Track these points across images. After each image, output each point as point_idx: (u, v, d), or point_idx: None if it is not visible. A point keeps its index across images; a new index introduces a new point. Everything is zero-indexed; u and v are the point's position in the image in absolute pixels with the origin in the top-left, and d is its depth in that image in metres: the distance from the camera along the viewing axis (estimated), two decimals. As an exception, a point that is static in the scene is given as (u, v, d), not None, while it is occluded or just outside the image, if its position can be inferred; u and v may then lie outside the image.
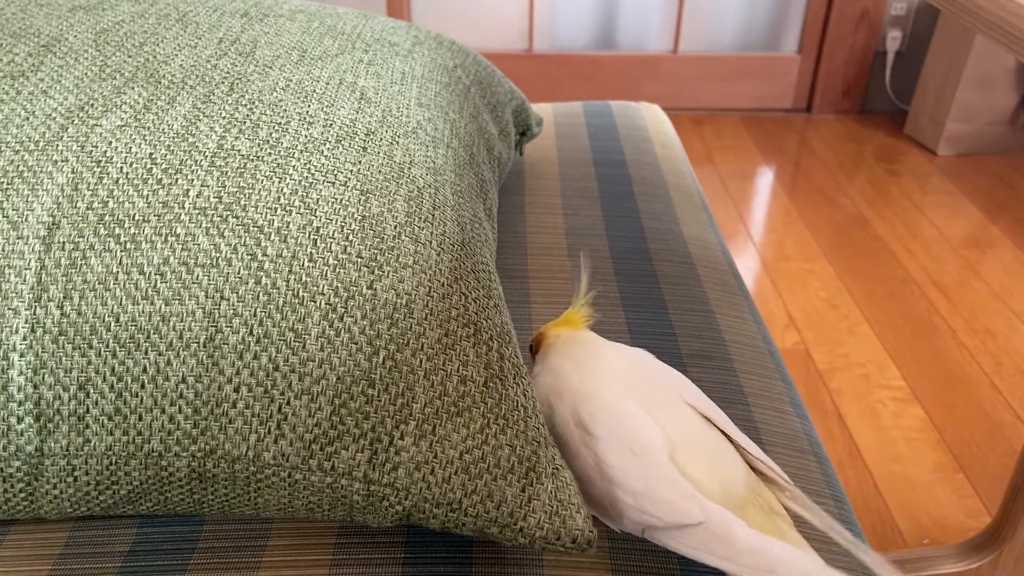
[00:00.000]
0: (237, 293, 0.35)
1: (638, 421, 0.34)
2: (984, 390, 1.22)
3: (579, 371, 0.38)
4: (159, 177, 0.37)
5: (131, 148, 0.38)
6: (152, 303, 0.34)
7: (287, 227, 0.37)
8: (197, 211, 0.36)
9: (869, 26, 2.04)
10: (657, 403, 0.35)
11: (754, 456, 0.35)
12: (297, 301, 0.35)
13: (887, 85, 2.12)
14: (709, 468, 0.34)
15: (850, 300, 1.43)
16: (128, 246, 0.35)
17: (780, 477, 0.34)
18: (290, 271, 0.35)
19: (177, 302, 0.34)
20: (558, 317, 0.44)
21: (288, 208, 0.37)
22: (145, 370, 0.34)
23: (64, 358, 0.34)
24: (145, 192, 0.37)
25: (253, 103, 0.42)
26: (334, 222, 0.37)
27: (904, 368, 1.26)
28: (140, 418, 0.34)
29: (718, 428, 0.36)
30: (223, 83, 0.43)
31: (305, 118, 0.42)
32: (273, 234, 0.36)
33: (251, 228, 0.36)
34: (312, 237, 0.37)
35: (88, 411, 0.34)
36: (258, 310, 0.35)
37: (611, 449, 0.34)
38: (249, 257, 0.35)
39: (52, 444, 0.34)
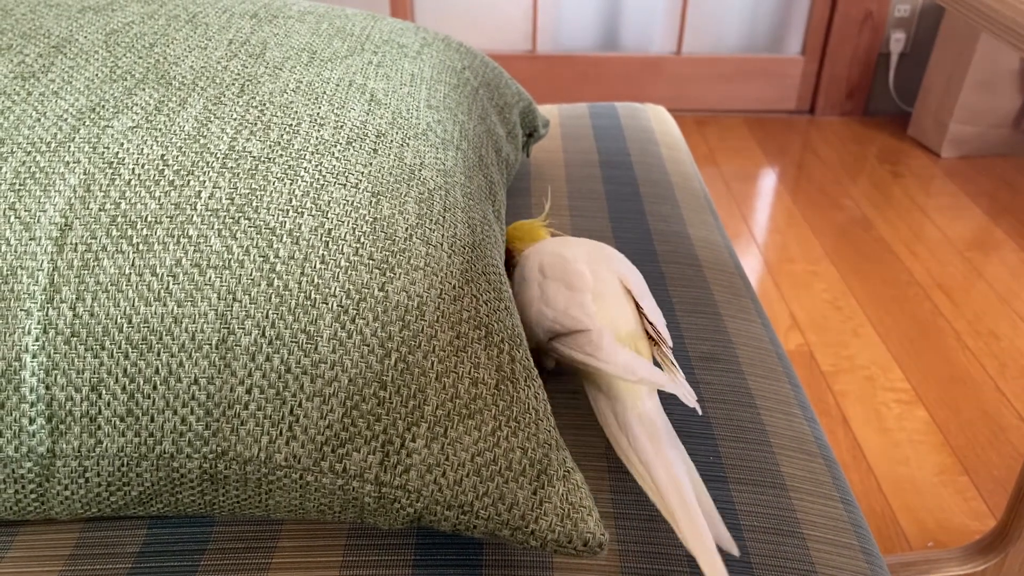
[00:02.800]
0: (249, 295, 0.35)
1: (578, 271, 0.49)
2: (988, 392, 1.22)
3: (556, 244, 0.53)
4: (171, 179, 0.37)
5: (143, 149, 0.38)
6: (164, 304, 0.34)
7: (299, 229, 0.37)
8: (209, 213, 0.36)
9: (873, 28, 2.04)
10: (597, 270, 0.49)
11: (650, 322, 0.47)
12: (309, 303, 0.35)
13: (891, 87, 2.12)
14: (607, 310, 0.47)
15: (854, 302, 1.43)
16: (140, 247, 0.35)
17: (663, 341, 0.46)
18: (302, 273, 0.35)
19: (189, 303, 0.35)
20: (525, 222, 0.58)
21: (300, 210, 0.37)
22: (157, 371, 0.34)
23: (76, 359, 0.34)
24: (157, 193, 0.37)
25: (264, 105, 0.42)
26: (345, 224, 0.37)
27: (908, 370, 1.26)
28: (152, 419, 0.34)
29: (633, 297, 0.48)
30: (234, 84, 0.43)
31: (316, 120, 0.42)
32: (285, 236, 0.36)
33: (263, 230, 0.36)
34: (324, 239, 0.37)
35: (100, 412, 0.34)
36: (270, 312, 0.35)
37: (553, 284, 0.49)
38: (261, 259, 0.35)
39: (64, 445, 0.34)
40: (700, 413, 0.48)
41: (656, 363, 0.46)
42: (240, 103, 0.42)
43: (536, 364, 0.50)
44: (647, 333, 0.46)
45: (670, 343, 0.47)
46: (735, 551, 0.38)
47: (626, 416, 0.42)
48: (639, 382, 0.42)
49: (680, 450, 0.41)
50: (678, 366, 0.45)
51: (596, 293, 0.48)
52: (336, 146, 0.41)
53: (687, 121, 2.14)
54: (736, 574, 0.39)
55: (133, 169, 0.37)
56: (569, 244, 0.52)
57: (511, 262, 0.55)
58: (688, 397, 0.41)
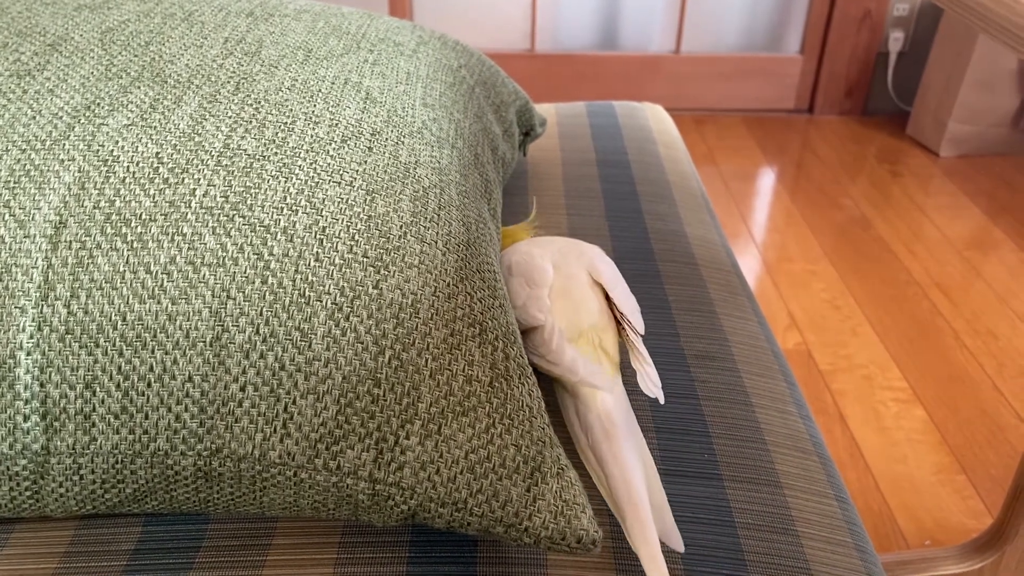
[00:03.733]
0: (243, 292, 0.35)
1: (540, 267, 0.50)
2: (986, 391, 1.22)
3: (530, 243, 0.53)
4: (165, 176, 0.37)
5: (137, 147, 0.38)
6: (159, 302, 0.34)
7: (293, 227, 0.37)
8: (204, 210, 0.36)
9: (871, 27, 2.04)
10: (565, 266, 0.50)
11: (620, 311, 0.48)
12: (303, 300, 0.35)
13: (889, 86, 2.12)
14: (567, 308, 0.47)
15: (852, 301, 1.43)
16: (135, 245, 0.35)
17: (632, 329, 0.47)
18: (296, 270, 0.36)
19: (184, 301, 0.35)
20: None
21: (294, 208, 0.37)
22: (151, 369, 0.34)
23: (71, 357, 0.34)
24: (152, 191, 0.37)
25: (259, 103, 0.42)
26: (340, 222, 0.37)
27: (906, 369, 1.26)
28: (146, 417, 0.34)
29: (603, 291, 0.49)
30: (229, 82, 0.43)
31: (311, 118, 0.42)
32: (279, 233, 0.36)
33: (257, 227, 0.36)
34: (318, 237, 0.37)
35: (94, 410, 0.34)
36: (264, 309, 0.35)
37: (515, 282, 0.50)
38: (255, 256, 0.36)
39: (58, 443, 0.34)
40: (662, 403, 0.49)
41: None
42: (235, 101, 0.42)
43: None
44: (616, 320, 0.47)
45: (641, 329, 0.48)
46: (680, 547, 0.39)
47: (587, 416, 0.43)
48: (579, 382, 0.43)
49: (639, 445, 0.42)
50: (645, 352, 0.45)
51: (559, 289, 0.48)
52: (331, 144, 0.41)
53: (686, 120, 2.14)
54: (731, 572, 0.39)
55: (128, 167, 0.37)
56: (541, 243, 0.53)
57: None
58: (650, 386, 0.42)
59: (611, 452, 0.41)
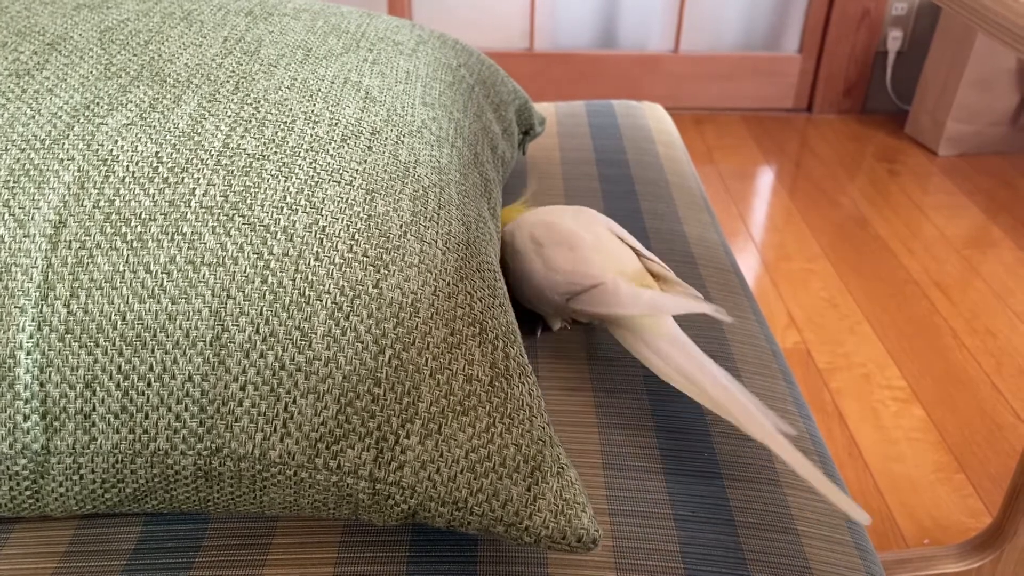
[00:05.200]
0: (243, 292, 0.35)
1: (572, 231, 0.51)
2: (985, 390, 1.22)
3: (539, 214, 0.55)
4: (165, 176, 0.37)
5: (137, 147, 0.38)
6: (158, 302, 0.34)
7: (293, 226, 0.37)
8: (203, 210, 0.36)
9: (870, 26, 2.04)
10: (586, 225, 0.52)
11: (649, 257, 0.51)
12: (303, 300, 0.35)
13: (888, 85, 2.12)
14: (608, 260, 0.50)
15: (851, 300, 1.43)
16: (134, 245, 0.35)
17: (668, 273, 0.50)
18: (296, 270, 0.36)
19: (183, 301, 0.35)
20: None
21: (294, 207, 0.37)
22: (151, 368, 0.34)
23: (71, 356, 0.34)
24: (151, 191, 0.37)
25: (259, 102, 0.42)
26: (340, 221, 0.37)
27: (905, 368, 1.26)
28: (146, 416, 0.34)
29: (628, 244, 0.52)
30: (228, 82, 0.43)
31: (310, 117, 0.42)
32: (279, 233, 0.36)
33: (257, 227, 0.36)
34: (318, 236, 0.37)
35: (94, 409, 0.34)
36: (264, 309, 0.35)
37: (553, 249, 0.51)
38: (255, 256, 0.36)
39: (58, 442, 0.34)
40: (731, 321, 0.52)
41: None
42: (235, 100, 0.42)
43: (544, 326, 0.55)
44: (648, 270, 0.50)
45: (672, 272, 0.50)
46: (792, 431, 0.42)
47: (659, 344, 0.46)
48: (669, 313, 0.46)
49: (709, 359, 0.45)
50: (687, 284, 0.48)
51: (593, 245, 0.50)
52: (330, 143, 0.41)
53: (685, 119, 2.14)
54: (731, 571, 0.40)
55: (127, 166, 0.37)
56: (551, 211, 0.54)
57: None
58: (717, 312, 0.45)
59: (698, 366, 0.44)
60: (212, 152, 0.39)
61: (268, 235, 0.36)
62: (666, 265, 0.51)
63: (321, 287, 0.35)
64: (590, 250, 0.50)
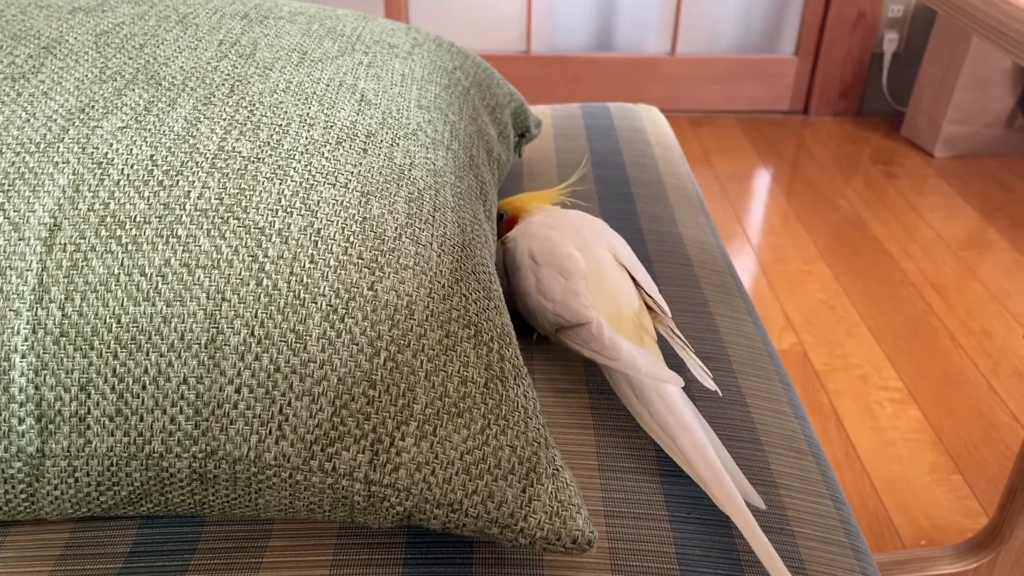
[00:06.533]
0: (238, 294, 0.35)
1: (569, 257, 0.49)
2: (981, 391, 1.22)
3: (544, 227, 0.53)
4: (160, 179, 0.37)
5: (132, 150, 0.38)
6: (153, 304, 0.34)
7: (288, 228, 0.37)
8: (198, 213, 0.36)
9: (866, 28, 2.04)
10: (589, 248, 0.50)
11: (648, 295, 0.49)
12: (298, 302, 0.35)
13: (884, 87, 2.12)
14: (605, 293, 0.48)
15: (847, 301, 1.43)
16: (129, 247, 0.35)
17: (663, 312, 0.49)
18: (291, 272, 0.36)
19: (178, 303, 0.35)
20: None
21: (289, 210, 0.37)
22: (146, 371, 0.34)
23: (65, 359, 0.34)
24: (146, 194, 0.37)
25: (254, 105, 0.42)
26: (335, 224, 0.38)
27: (901, 369, 1.27)
28: (141, 419, 0.34)
29: (628, 272, 0.50)
30: (223, 85, 0.44)
31: (306, 120, 0.42)
32: (274, 235, 0.36)
33: (252, 229, 0.36)
34: (313, 239, 0.37)
35: (89, 412, 0.34)
36: (259, 311, 0.35)
37: (547, 273, 0.49)
38: (250, 258, 0.36)
39: (53, 445, 0.34)
40: (720, 394, 0.50)
41: (660, 336, 0.49)
42: (230, 103, 0.42)
43: (539, 335, 0.54)
44: (648, 306, 0.49)
45: (669, 313, 0.49)
46: (761, 505, 0.42)
47: (644, 391, 0.44)
48: (644, 378, 0.44)
49: (698, 416, 0.44)
50: (684, 338, 0.47)
51: (592, 275, 0.48)
52: (326, 146, 0.41)
53: (681, 121, 2.14)
54: (728, 572, 0.40)
55: (122, 169, 0.37)
56: (556, 223, 0.52)
57: (510, 223, 0.57)
58: (704, 377, 0.45)
59: (678, 423, 0.43)
60: (207, 155, 0.39)
61: (263, 238, 0.36)
62: (664, 305, 0.49)
63: (316, 289, 0.35)
64: (582, 281, 0.48)
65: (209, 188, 0.37)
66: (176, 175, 0.38)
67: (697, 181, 1.76)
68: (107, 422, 0.34)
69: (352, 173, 0.40)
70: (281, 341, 0.34)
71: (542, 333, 0.52)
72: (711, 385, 0.45)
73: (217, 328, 0.34)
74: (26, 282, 0.34)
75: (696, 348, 0.54)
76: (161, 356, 0.34)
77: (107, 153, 0.38)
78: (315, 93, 0.45)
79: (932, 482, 1.06)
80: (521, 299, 0.51)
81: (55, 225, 0.36)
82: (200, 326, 0.34)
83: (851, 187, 1.82)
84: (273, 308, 0.35)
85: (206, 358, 0.34)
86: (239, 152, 0.39)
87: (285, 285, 0.35)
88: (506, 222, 0.58)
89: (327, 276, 0.36)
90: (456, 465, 0.35)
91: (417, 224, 0.40)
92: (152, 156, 0.38)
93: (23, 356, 0.34)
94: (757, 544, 0.38)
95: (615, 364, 0.45)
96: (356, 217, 0.38)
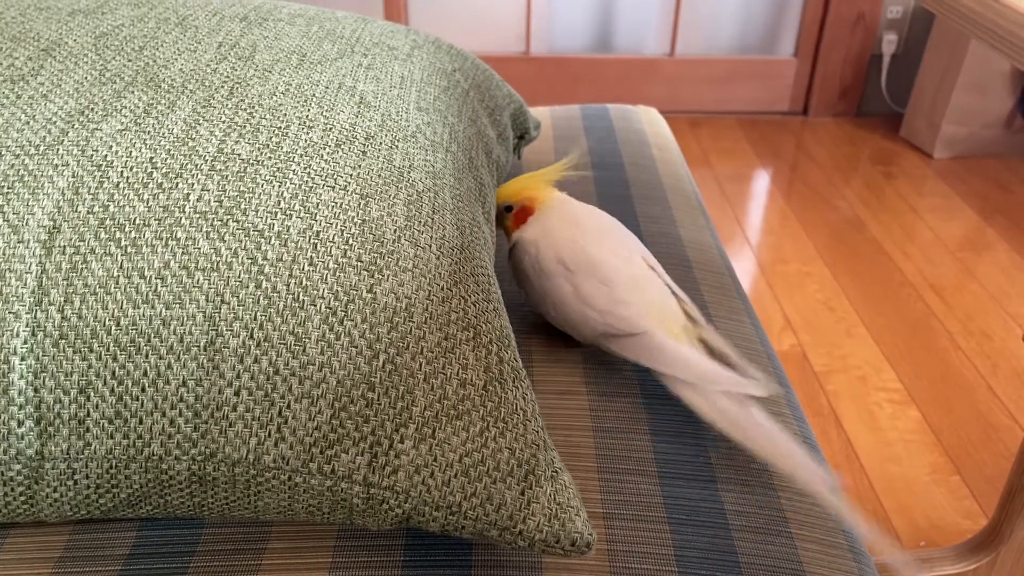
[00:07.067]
0: (237, 297, 0.35)
1: (605, 262, 0.48)
2: (981, 392, 1.22)
3: (566, 226, 0.51)
4: (159, 181, 0.37)
5: (131, 152, 0.38)
6: (153, 307, 0.35)
7: (287, 231, 0.37)
8: (197, 215, 0.36)
9: (865, 29, 2.04)
10: (620, 254, 0.49)
11: (682, 299, 0.48)
12: (297, 305, 0.35)
13: (883, 88, 2.12)
14: (651, 303, 0.47)
15: (847, 302, 1.43)
16: (129, 250, 0.35)
17: (699, 318, 0.48)
18: (290, 275, 0.36)
19: (178, 306, 0.35)
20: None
21: (288, 212, 0.37)
22: (146, 374, 0.34)
23: (65, 361, 0.34)
24: (145, 196, 0.37)
25: (253, 107, 0.43)
26: (334, 226, 0.38)
27: (901, 370, 1.27)
28: (140, 421, 0.34)
29: (659, 276, 0.49)
30: (223, 87, 0.44)
31: (305, 122, 0.42)
32: (273, 238, 0.36)
33: (251, 232, 0.36)
34: (312, 241, 0.37)
35: (89, 414, 0.34)
36: (258, 314, 0.35)
37: (585, 280, 0.48)
38: (249, 261, 0.36)
39: (52, 447, 0.34)
40: (776, 393, 0.50)
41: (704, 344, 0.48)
42: (229, 106, 0.42)
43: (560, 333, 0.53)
44: (686, 313, 0.48)
45: (698, 311, 0.48)
46: (840, 481, 0.43)
47: (717, 401, 0.44)
48: (723, 392, 0.43)
49: (761, 411, 0.44)
50: (714, 331, 0.47)
51: (631, 283, 0.47)
52: (325, 148, 0.41)
53: (681, 122, 2.14)
54: (726, 574, 0.40)
55: (122, 172, 0.38)
56: (578, 223, 0.51)
57: (522, 215, 0.54)
58: (767, 390, 0.44)
59: (753, 423, 0.43)
60: (206, 157, 0.39)
61: (262, 240, 0.36)
62: (694, 305, 0.49)
63: (315, 292, 0.35)
64: (627, 290, 0.47)
65: (208, 191, 0.37)
66: (175, 177, 0.38)
67: (696, 182, 1.76)
68: (106, 424, 0.34)
69: (351, 175, 0.40)
70: (280, 343, 0.35)
71: (577, 339, 0.51)
72: (775, 391, 0.45)
73: (216, 331, 0.34)
74: (25, 284, 0.34)
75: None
76: (160, 358, 0.34)
77: (106, 155, 0.38)
78: (314, 95, 0.45)
79: (931, 483, 1.07)
80: (555, 307, 0.50)
81: (54, 227, 0.36)
82: (199, 328, 0.34)
83: (850, 188, 1.82)
84: (272, 311, 0.35)
85: (205, 360, 0.34)
86: (238, 154, 0.39)
87: (284, 288, 0.35)
88: (516, 214, 0.54)
89: (326, 279, 0.36)
90: (455, 467, 0.35)
91: (416, 226, 0.40)
92: (151, 158, 0.38)
93: (22, 358, 0.34)
94: (845, 514, 0.41)
95: (686, 376, 0.44)
96: (355, 219, 0.38)
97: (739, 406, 0.44)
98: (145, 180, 0.37)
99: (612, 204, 0.70)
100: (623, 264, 0.48)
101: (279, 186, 0.38)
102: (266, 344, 0.34)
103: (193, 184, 0.38)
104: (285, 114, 0.43)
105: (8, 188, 0.36)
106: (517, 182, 0.55)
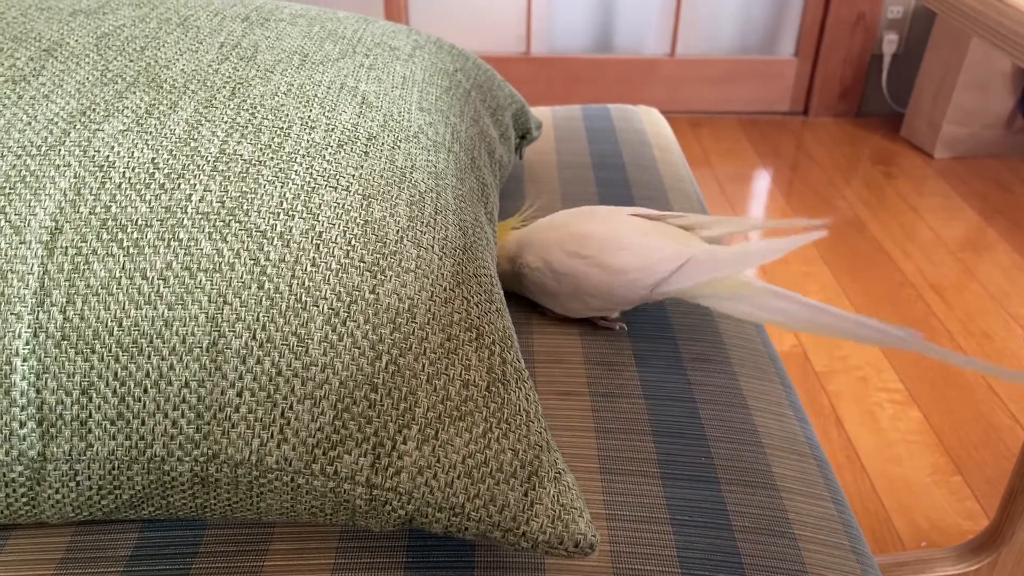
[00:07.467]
0: (240, 298, 0.35)
1: (611, 232, 0.51)
2: (982, 393, 1.22)
3: (547, 231, 0.54)
4: (161, 182, 0.37)
5: (133, 153, 0.38)
6: (155, 308, 0.34)
7: (289, 232, 0.37)
8: (200, 216, 0.36)
9: (866, 29, 2.04)
10: (609, 219, 0.52)
11: (677, 216, 0.53)
12: (300, 306, 0.35)
13: (884, 88, 2.12)
14: (670, 238, 0.51)
15: (847, 302, 1.43)
16: (131, 251, 0.35)
17: (692, 222, 0.53)
18: (293, 276, 0.36)
19: (180, 307, 0.35)
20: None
21: (290, 213, 0.37)
22: (148, 375, 0.34)
23: (67, 363, 0.34)
24: (148, 197, 0.37)
25: (255, 107, 0.42)
26: (336, 227, 0.37)
27: (902, 371, 1.27)
28: (143, 423, 0.34)
29: (653, 217, 0.53)
30: (225, 88, 0.43)
31: (307, 122, 0.42)
32: (276, 239, 0.36)
33: (254, 233, 0.36)
34: (315, 242, 0.37)
35: (91, 416, 0.34)
36: (261, 315, 0.35)
37: (607, 255, 0.50)
38: (252, 262, 0.36)
39: (55, 449, 0.34)
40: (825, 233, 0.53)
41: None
42: (231, 106, 0.42)
43: (596, 319, 0.55)
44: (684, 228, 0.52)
45: (688, 216, 0.54)
46: (914, 332, 0.46)
47: (762, 299, 0.49)
48: (777, 256, 0.48)
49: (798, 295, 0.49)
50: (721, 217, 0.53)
51: (641, 232, 0.51)
52: (327, 149, 0.41)
53: (681, 123, 2.14)
54: (727, 575, 0.40)
55: (123, 172, 0.37)
56: (556, 225, 0.54)
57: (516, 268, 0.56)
58: (808, 234, 0.48)
59: (807, 307, 0.48)
60: (208, 158, 0.39)
61: (265, 241, 0.36)
62: (673, 214, 0.54)
63: (318, 293, 0.35)
64: (647, 237, 0.50)
65: (210, 191, 0.37)
66: (177, 178, 0.38)
67: (697, 182, 1.76)
68: (108, 426, 0.34)
69: (353, 176, 0.40)
70: (283, 344, 0.34)
71: (626, 309, 0.54)
72: (821, 232, 0.48)
73: (219, 332, 0.34)
74: (27, 285, 0.34)
75: (697, 349, 0.54)
76: (163, 360, 0.34)
77: (108, 156, 0.38)
78: (316, 96, 0.45)
79: (932, 484, 1.06)
80: (592, 293, 0.52)
81: (56, 228, 0.35)
82: (202, 329, 0.34)
83: (851, 188, 1.82)
84: (275, 311, 0.35)
85: (208, 362, 0.34)
86: (240, 155, 0.39)
87: (287, 288, 0.35)
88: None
89: (329, 279, 0.36)
90: (458, 469, 0.35)
91: (419, 227, 0.40)
92: (153, 159, 0.38)
93: (24, 360, 0.34)
94: (949, 356, 0.44)
95: (744, 266, 0.48)
96: (358, 220, 0.38)
97: (787, 300, 0.48)
98: (147, 181, 0.37)
99: (613, 204, 0.69)
100: (620, 224, 0.51)
101: (281, 187, 0.38)
102: (268, 345, 0.34)
103: (195, 185, 0.37)
104: (287, 114, 0.43)
105: (10, 189, 0.36)
106: None
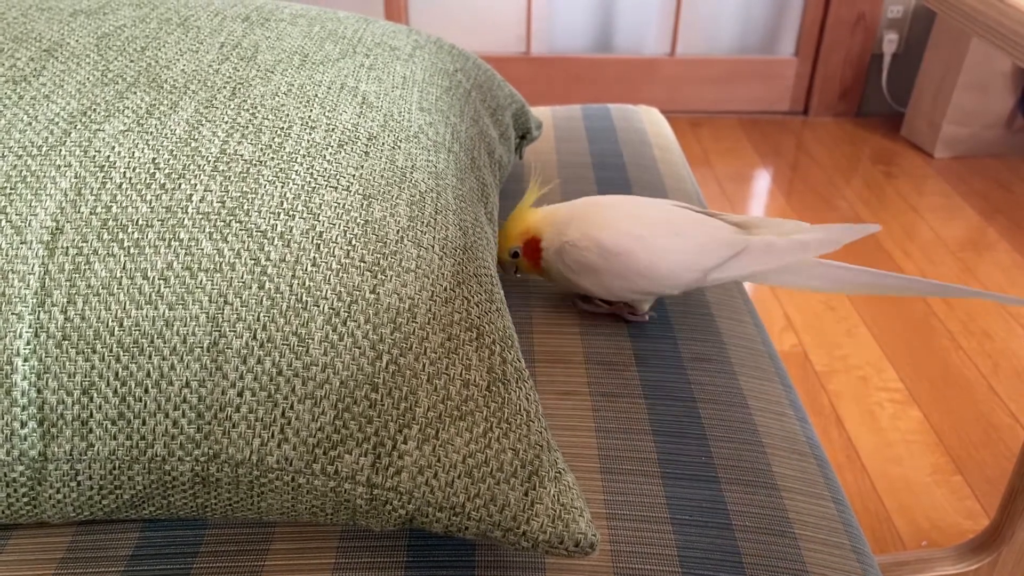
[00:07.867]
0: (240, 298, 0.35)
1: (668, 215, 0.52)
2: (982, 392, 1.22)
3: (596, 212, 0.53)
4: (162, 182, 0.37)
5: (134, 153, 0.38)
6: (156, 308, 0.34)
7: (290, 232, 0.37)
8: (200, 216, 0.36)
9: (866, 29, 2.04)
10: (658, 206, 0.53)
11: (718, 214, 0.54)
12: (300, 306, 0.35)
13: (884, 88, 2.12)
14: (716, 223, 0.52)
15: (848, 302, 1.43)
16: (131, 251, 0.35)
17: (747, 219, 0.53)
18: (293, 275, 0.36)
19: (181, 307, 0.35)
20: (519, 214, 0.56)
21: (291, 213, 0.37)
22: (149, 375, 0.34)
23: (68, 363, 0.34)
24: (148, 197, 0.37)
25: (255, 108, 0.43)
26: (337, 227, 0.38)
27: (902, 370, 1.27)
28: (144, 422, 0.34)
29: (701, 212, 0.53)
30: (225, 88, 0.44)
31: (307, 122, 0.42)
32: (276, 239, 0.36)
33: (254, 233, 0.36)
34: (315, 242, 0.37)
35: (92, 415, 0.34)
36: (261, 314, 0.35)
37: (660, 241, 0.51)
38: (252, 262, 0.36)
39: (55, 448, 0.34)
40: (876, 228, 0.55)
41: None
42: (231, 106, 0.42)
43: (628, 312, 0.56)
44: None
45: (740, 216, 0.55)
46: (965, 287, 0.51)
47: (820, 271, 0.52)
48: (838, 246, 0.51)
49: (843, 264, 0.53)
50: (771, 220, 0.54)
51: (694, 219, 0.52)
52: (327, 149, 0.41)
53: (681, 122, 2.14)
54: (728, 574, 0.40)
55: (124, 173, 0.37)
56: (603, 206, 0.54)
57: (533, 245, 0.54)
58: (860, 231, 0.52)
59: (861, 272, 0.52)
60: (209, 158, 0.39)
61: (265, 241, 0.36)
62: (725, 214, 0.55)
63: (318, 292, 0.35)
64: (703, 225, 0.51)
65: (211, 191, 0.37)
66: (178, 178, 0.38)
67: (697, 181, 1.76)
68: (109, 426, 0.34)
69: (354, 176, 0.40)
70: (283, 344, 0.34)
71: (674, 294, 0.54)
72: (872, 228, 0.52)
73: (219, 331, 0.34)
74: (28, 285, 0.34)
75: (697, 349, 0.54)
76: (163, 359, 0.34)
77: (109, 156, 0.38)
78: (316, 96, 0.45)
79: (933, 483, 1.06)
80: (633, 277, 0.52)
81: (57, 228, 0.36)
82: (202, 329, 0.34)
83: (851, 188, 1.82)
84: (275, 311, 0.35)
85: (208, 361, 0.34)
86: (241, 155, 0.39)
87: (287, 288, 0.35)
88: (525, 250, 0.54)
89: (329, 279, 0.36)
90: (458, 468, 0.35)
91: (419, 227, 0.40)
92: (154, 159, 0.38)
93: (25, 360, 0.34)
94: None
95: (795, 255, 0.50)
96: (358, 220, 0.38)
97: (845, 269, 0.52)
98: (148, 181, 0.37)
99: (614, 204, 0.69)
100: (674, 210, 0.53)
101: (282, 187, 0.38)
102: (269, 345, 0.34)
103: (196, 185, 0.37)
104: (287, 115, 0.43)
105: (11, 189, 0.36)
106: (503, 230, 0.55)
